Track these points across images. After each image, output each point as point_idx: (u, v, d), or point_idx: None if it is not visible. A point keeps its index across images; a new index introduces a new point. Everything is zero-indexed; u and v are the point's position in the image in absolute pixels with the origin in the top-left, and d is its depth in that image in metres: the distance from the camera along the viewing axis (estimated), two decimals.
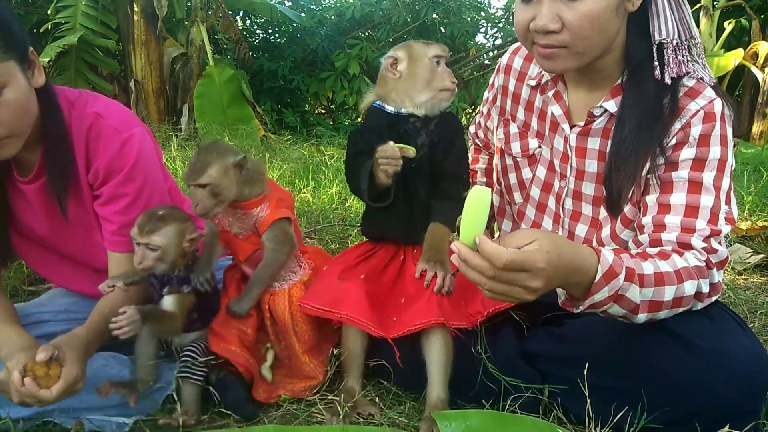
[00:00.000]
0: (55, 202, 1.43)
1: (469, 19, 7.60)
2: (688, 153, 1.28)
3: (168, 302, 1.43)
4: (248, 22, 8.42)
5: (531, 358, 1.46)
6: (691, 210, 1.27)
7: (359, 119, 7.95)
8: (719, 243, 1.27)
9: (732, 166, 1.31)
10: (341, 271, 1.49)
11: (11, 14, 1.31)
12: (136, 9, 6.08)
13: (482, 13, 7.92)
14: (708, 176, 1.27)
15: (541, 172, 1.55)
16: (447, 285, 1.41)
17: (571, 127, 1.45)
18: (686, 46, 1.29)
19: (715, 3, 6.39)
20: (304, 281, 1.56)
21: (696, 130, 1.27)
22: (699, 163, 1.28)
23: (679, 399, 1.24)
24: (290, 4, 8.25)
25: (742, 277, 2.43)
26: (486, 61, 7.60)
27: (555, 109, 1.48)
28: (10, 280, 2.18)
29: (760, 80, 6.00)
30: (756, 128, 6.13)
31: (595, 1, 1.22)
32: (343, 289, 1.44)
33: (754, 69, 6.07)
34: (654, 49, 1.29)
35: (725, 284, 2.29)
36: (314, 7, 8.34)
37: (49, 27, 5.90)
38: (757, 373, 1.22)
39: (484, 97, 1.76)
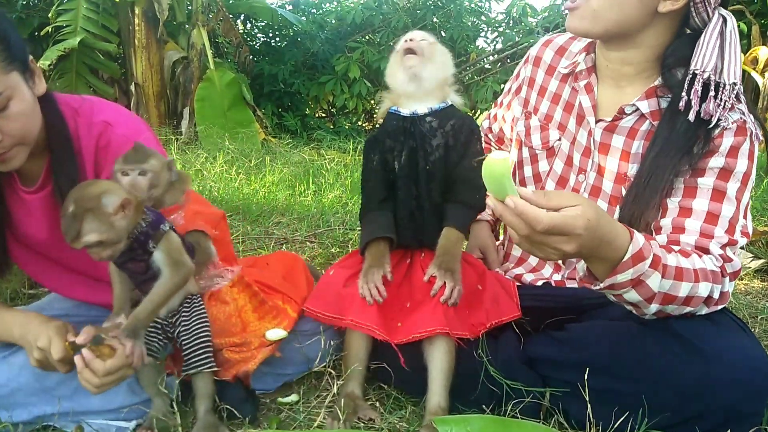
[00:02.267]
0: (58, 212, 1.43)
1: (469, 23, 7.61)
2: (716, 162, 1.30)
3: (160, 257, 1.32)
4: (249, 25, 8.43)
5: (532, 363, 1.46)
6: (712, 217, 1.28)
7: (359, 122, 7.96)
8: (734, 254, 1.29)
9: (753, 182, 1.33)
10: (347, 279, 1.48)
11: (10, 25, 1.30)
12: (137, 12, 6.09)
13: (483, 18, 7.92)
14: (732, 187, 1.30)
15: (558, 165, 1.56)
16: (454, 297, 1.39)
17: (597, 121, 1.45)
18: (714, 87, 1.27)
19: None
20: (233, 283, 1.51)
21: (728, 141, 1.29)
22: (725, 173, 1.30)
23: (681, 403, 1.24)
24: (291, 7, 8.26)
25: (743, 281, 2.43)
26: (486, 65, 7.61)
27: (584, 100, 1.49)
28: (10, 284, 2.18)
29: (760, 85, 6.00)
30: None
31: None
32: (349, 294, 1.44)
33: (754, 74, 6.07)
34: (687, 78, 1.29)
35: None
36: (315, 11, 8.35)
37: (50, 30, 5.91)
38: (760, 377, 1.22)
39: (506, 88, 1.76)
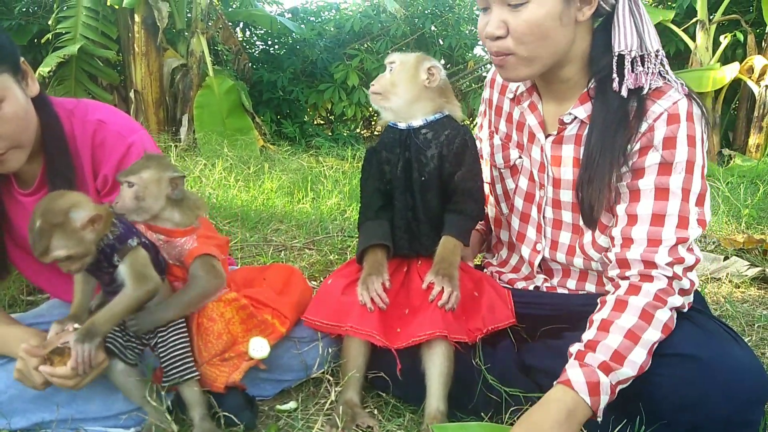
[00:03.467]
0: None
1: (467, 31, 7.65)
2: (653, 158, 1.30)
3: (124, 270, 1.31)
4: (248, 33, 8.46)
5: (529, 371, 1.46)
6: (658, 218, 1.29)
7: (357, 130, 7.98)
8: (688, 249, 1.30)
9: (703, 166, 1.31)
10: (345, 287, 1.49)
11: None
12: (136, 20, 6.10)
13: None
14: (675, 180, 1.29)
15: (523, 182, 1.58)
16: (452, 302, 1.41)
17: (546, 136, 1.48)
18: (640, 59, 1.30)
19: (711, 17, 6.44)
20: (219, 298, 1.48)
21: (660, 133, 1.29)
22: (665, 167, 1.29)
23: (676, 414, 1.24)
24: (290, 15, 8.29)
25: (740, 290, 2.43)
26: (484, 74, 7.64)
27: (530, 120, 1.52)
28: (9, 290, 2.18)
29: (756, 94, 6.03)
30: (752, 141, 6.15)
31: (535, 9, 1.26)
32: (348, 301, 1.45)
33: (750, 83, 6.10)
34: (614, 61, 1.31)
35: (722, 297, 2.29)
36: (314, 18, 8.38)
37: (50, 37, 5.92)
38: (754, 386, 1.23)
39: (479, 110, 1.79)
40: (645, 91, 1.30)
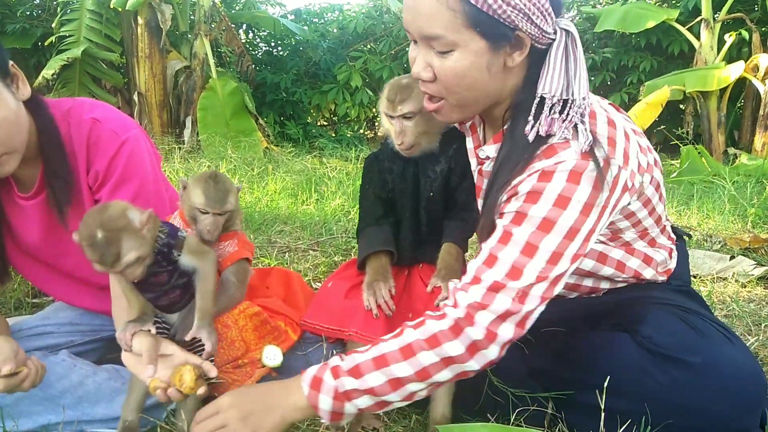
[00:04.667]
0: (54, 218, 1.43)
1: None
2: (511, 206, 1.20)
3: (187, 258, 1.31)
4: (251, 35, 8.48)
5: (534, 374, 1.46)
6: (491, 259, 1.19)
7: (360, 131, 7.99)
8: (513, 299, 1.15)
9: (582, 231, 1.17)
10: (348, 290, 1.49)
11: None
12: (140, 22, 6.12)
13: None
14: (523, 231, 1.17)
15: (480, 203, 1.53)
16: None
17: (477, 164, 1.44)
18: (562, 105, 1.17)
19: (716, 16, 6.43)
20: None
21: (525, 186, 1.18)
22: (518, 217, 1.18)
23: (676, 419, 1.24)
24: (293, 17, 8.30)
25: (746, 289, 2.42)
26: None
27: (468, 143, 1.47)
28: (14, 293, 2.18)
29: (762, 93, 6.01)
30: (758, 140, 6.13)
31: (460, 58, 1.16)
32: (351, 306, 1.44)
33: (755, 81, 6.08)
34: (535, 102, 1.18)
35: (729, 297, 2.28)
36: (317, 20, 8.40)
37: (54, 40, 5.95)
38: (749, 387, 1.22)
39: None
40: (549, 142, 1.19)
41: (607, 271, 1.41)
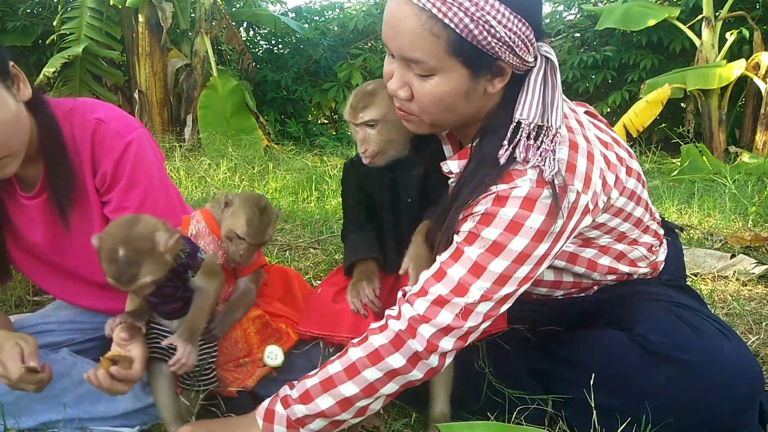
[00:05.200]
0: (56, 218, 1.43)
1: None
2: (466, 226, 1.21)
3: (199, 280, 1.32)
4: (252, 33, 8.47)
5: (533, 374, 1.46)
6: (440, 273, 1.20)
7: None
8: (456, 315, 1.17)
9: (532, 255, 1.17)
10: (335, 294, 1.48)
11: None
12: (140, 20, 6.12)
13: None
14: (472, 251, 1.18)
15: None
16: None
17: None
18: (536, 132, 1.16)
19: (717, 14, 6.41)
20: None
21: (480, 208, 1.19)
22: (471, 236, 1.19)
23: (672, 417, 1.24)
24: (293, 15, 8.30)
25: (747, 288, 2.42)
26: None
27: (447, 151, 1.44)
28: (15, 291, 2.18)
29: (763, 91, 6.00)
30: (759, 138, 6.12)
31: (440, 83, 1.14)
32: (339, 309, 1.43)
33: (756, 79, 6.07)
34: (511, 127, 1.17)
35: (729, 295, 2.28)
36: (317, 18, 8.39)
37: (54, 38, 5.95)
38: (746, 382, 1.23)
39: None
40: (510, 167, 1.19)
41: (579, 270, 1.42)
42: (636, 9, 6.58)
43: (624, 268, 1.44)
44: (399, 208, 1.46)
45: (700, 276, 2.51)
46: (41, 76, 5.66)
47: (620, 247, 1.42)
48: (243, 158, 4.93)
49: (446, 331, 1.19)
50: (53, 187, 1.41)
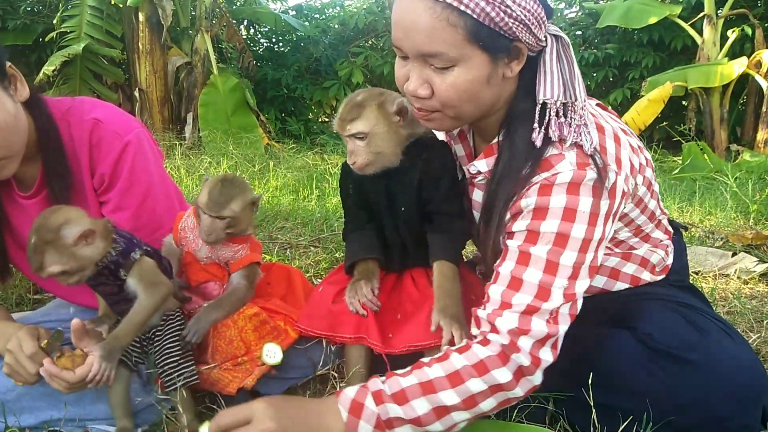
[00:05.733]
0: None
1: None
2: (520, 224, 1.19)
3: (134, 282, 1.33)
4: (252, 31, 8.47)
5: None
6: (515, 282, 1.18)
7: None
8: (547, 321, 1.16)
9: (588, 240, 1.16)
10: (335, 294, 1.48)
11: None
12: (140, 18, 6.12)
13: None
14: (540, 249, 1.16)
15: (466, 204, 1.49)
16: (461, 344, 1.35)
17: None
18: (563, 109, 1.18)
19: (718, 12, 6.41)
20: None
21: (528, 202, 1.18)
22: (532, 235, 1.18)
23: (676, 416, 1.24)
24: (294, 13, 8.29)
25: (748, 286, 2.42)
26: None
27: (458, 150, 1.44)
28: (16, 289, 2.18)
29: (764, 89, 5.99)
30: (761, 136, 6.11)
31: (461, 73, 1.14)
32: (339, 310, 1.43)
33: (758, 78, 6.07)
34: (537, 109, 1.18)
35: (731, 294, 2.28)
36: (318, 16, 8.39)
37: (55, 36, 5.95)
38: (749, 383, 1.22)
39: None
40: (545, 154, 1.18)
41: (600, 279, 1.41)
42: (637, 7, 6.58)
43: (645, 276, 1.43)
44: (397, 215, 1.45)
45: (702, 274, 2.50)
46: (41, 74, 5.66)
47: (641, 251, 1.41)
48: (243, 156, 4.93)
49: (544, 340, 1.16)
50: (51, 187, 1.41)
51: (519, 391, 1.18)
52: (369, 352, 1.45)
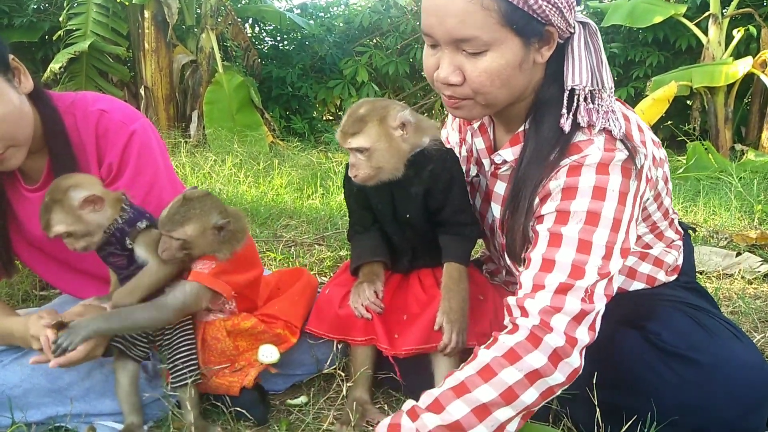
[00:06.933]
0: None
1: None
2: (549, 206, 1.19)
3: (142, 250, 1.33)
4: (257, 29, 8.47)
5: None
6: (547, 263, 1.15)
7: None
8: (583, 299, 1.13)
9: (619, 220, 1.16)
10: (342, 298, 1.48)
11: None
12: (146, 16, 6.13)
13: None
14: (571, 229, 1.15)
15: (477, 201, 1.50)
16: (455, 353, 1.36)
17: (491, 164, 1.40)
18: (591, 95, 1.19)
19: (724, 11, 6.38)
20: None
21: (557, 184, 1.18)
22: (562, 216, 1.17)
23: (681, 417, 1.24)
24: (299, 11, 8.29)
25: (752, 286, 2.41)
26: None
27: (478, 143, 1.43)
28: (22, 285, 2.20)
29: None
30: (765, 136, 6.10)
31: (494, 58, 1.13)
32: (346, 314, 1.44)
33: (763, 77, 6.04)
34: (565, 96, 1.19)
35: (735, 294, 2.28)
36: (323, 14, 8.38)
37: (61, 34, 5.96)
38: (757, 386, 1.22)
39: None
40: (573, 140, 1.19)
41: (617, 278, 1.41)
42: (642, 6, 6.56)
43: (660, 276, 1.43)
44: (401, 220, 1.45)
45: (706, 274, 2.50)
46: (48, 71, 5.68)
47: (656, 251, 1.42)
48: (248, 154, 4.94)
49: (579, 318, 1.12)
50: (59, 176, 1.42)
51: (560, 377, 1.11)
52: (374, 349, 1.46)
